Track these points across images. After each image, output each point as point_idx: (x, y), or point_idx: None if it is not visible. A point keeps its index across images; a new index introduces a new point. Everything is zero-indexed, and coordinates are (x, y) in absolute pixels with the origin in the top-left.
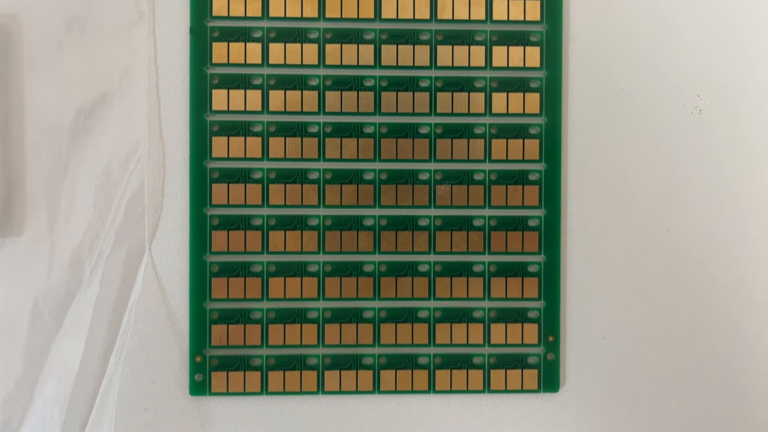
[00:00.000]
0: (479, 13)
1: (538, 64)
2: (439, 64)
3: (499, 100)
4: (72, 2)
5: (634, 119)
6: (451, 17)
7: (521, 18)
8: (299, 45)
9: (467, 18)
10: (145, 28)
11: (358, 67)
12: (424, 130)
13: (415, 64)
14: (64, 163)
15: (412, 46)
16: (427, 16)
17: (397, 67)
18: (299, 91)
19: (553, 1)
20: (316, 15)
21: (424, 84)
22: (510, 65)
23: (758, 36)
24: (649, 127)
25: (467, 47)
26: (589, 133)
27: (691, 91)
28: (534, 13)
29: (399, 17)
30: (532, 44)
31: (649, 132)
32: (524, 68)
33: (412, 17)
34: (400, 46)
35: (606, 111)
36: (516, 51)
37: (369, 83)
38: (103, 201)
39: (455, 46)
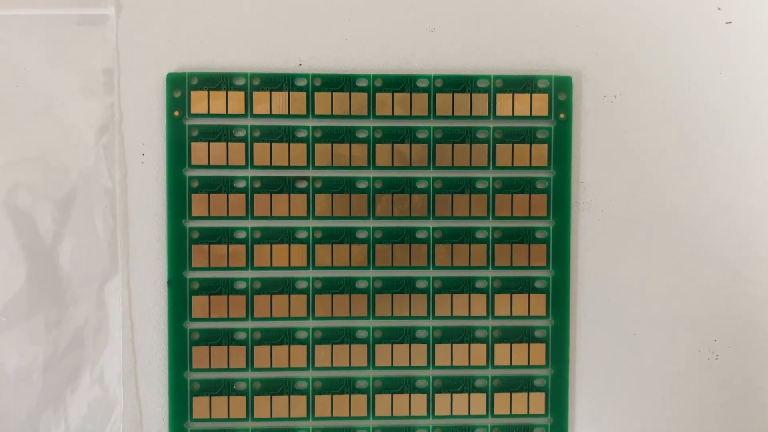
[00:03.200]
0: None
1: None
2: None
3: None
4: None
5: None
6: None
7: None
8: (287, 296)
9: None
10: (118, 280)
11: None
12: (421, 184)
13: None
14: (34, 427)
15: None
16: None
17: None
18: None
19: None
20: (305, 264)
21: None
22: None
23: None
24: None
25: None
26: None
27: None
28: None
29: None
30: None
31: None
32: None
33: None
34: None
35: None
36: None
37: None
38: None
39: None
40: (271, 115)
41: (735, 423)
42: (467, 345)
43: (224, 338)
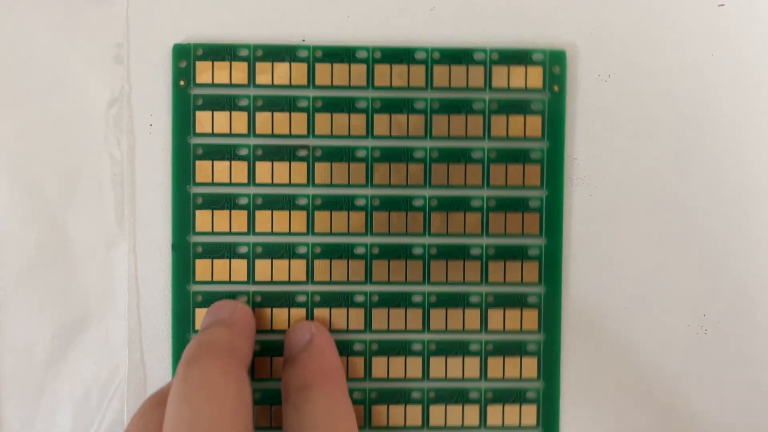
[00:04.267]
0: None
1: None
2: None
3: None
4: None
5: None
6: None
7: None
8: (287, 260)
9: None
10: (125, 246)
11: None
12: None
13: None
14: (41, 386)
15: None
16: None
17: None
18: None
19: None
20: (305, 230)
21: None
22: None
23: None
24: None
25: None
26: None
27: None
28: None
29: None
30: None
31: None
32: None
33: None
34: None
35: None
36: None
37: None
38: (82, 427)
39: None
40: (273, 86)
41: (723, 397)
42: (461, 310)
43: None
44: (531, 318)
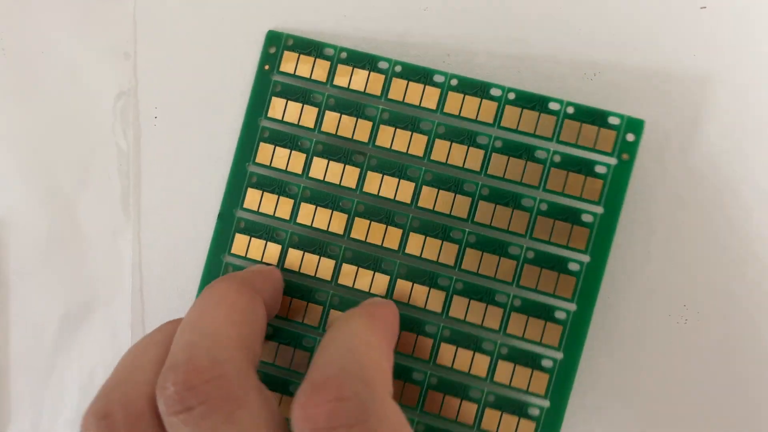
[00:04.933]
0: None
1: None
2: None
3: None
4: (57, 208)
5: None
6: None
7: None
8: (318, 257)
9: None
10: (130, 233)
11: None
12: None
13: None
14: (49, 366)
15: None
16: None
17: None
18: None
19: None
20: (342, 232)
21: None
22: None
23: None
24: None
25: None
26: None
27: None
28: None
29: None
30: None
31: None
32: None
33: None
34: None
35: None
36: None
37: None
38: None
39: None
40: (348, 89)
41: (702, 387)
42: (472, 352)
43: None
44: (541, 380)
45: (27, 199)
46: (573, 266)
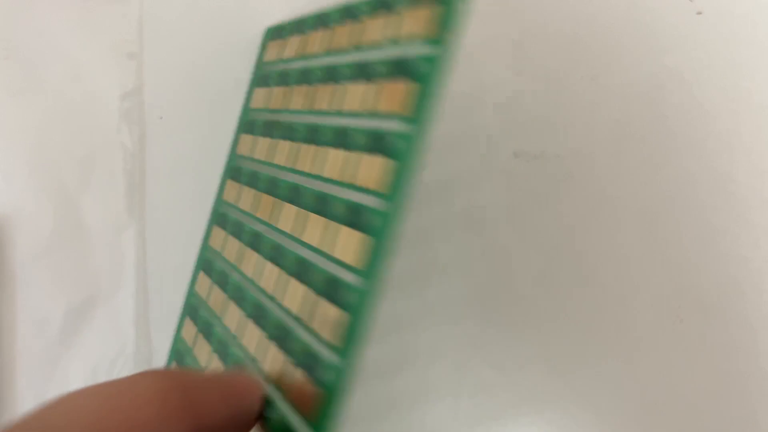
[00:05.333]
0: None
1: None
2: None
3: None
4: (62, 206)
5: None
6: None
7: None
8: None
9: None
10: (134, 231)
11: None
12: None
13: None
14: (54, 360)
15: None
16: None
17: None
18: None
19: None
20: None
21: None
22: None
23: None
24: None
25: None
26: None
27: None
28: None
29: None
30: None
31: None
32: None
33: None
34: None
35: None
36: None
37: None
38: None
39: None
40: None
41: (698, 385)
42: None
43: None
44: None
45: (33, 197)
46: None
